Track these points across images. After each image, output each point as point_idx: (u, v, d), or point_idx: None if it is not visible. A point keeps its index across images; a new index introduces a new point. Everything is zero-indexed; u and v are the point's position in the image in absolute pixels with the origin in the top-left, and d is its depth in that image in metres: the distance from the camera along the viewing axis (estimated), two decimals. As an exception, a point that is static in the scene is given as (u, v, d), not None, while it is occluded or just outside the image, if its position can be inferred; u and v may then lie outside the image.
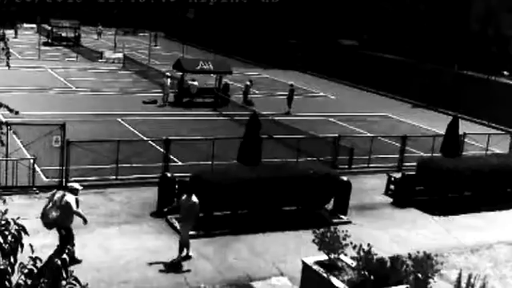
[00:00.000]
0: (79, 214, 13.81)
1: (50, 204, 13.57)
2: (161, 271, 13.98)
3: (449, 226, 18.90)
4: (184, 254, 14.59)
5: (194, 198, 14.61)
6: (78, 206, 13.92)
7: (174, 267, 14.15)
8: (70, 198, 13.70)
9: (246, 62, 55.63)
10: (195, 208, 14.59)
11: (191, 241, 15.73)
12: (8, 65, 7.91)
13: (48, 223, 13.60)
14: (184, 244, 14.56)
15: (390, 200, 20.75)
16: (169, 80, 34.41)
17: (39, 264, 4.37)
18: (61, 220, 13.53)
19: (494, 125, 35.33)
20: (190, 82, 34.83)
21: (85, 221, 13.86)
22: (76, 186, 14.34)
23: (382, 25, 64.65)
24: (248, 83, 36.79)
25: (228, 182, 16.74)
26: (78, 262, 13.73)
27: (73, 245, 13.80)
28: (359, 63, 48.30)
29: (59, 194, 13.75)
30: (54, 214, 13.46)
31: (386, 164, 24.26)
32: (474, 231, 18.60)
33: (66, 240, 13.74)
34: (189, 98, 34.56)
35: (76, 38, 61.14)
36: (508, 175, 21.71)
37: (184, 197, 14.69)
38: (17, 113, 7.85)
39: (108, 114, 29.63)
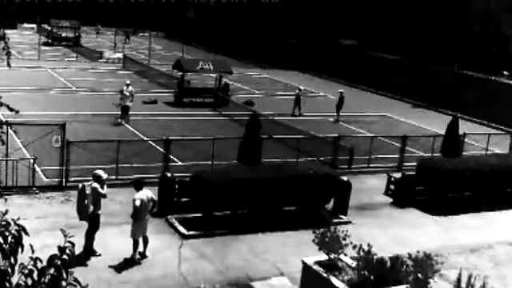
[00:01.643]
0: (104, 195, 14.54)
1: (86, 201, 14.13)
2: (161, 271, 13.99)
3: (449, 226, 18.90)
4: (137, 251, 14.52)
5: (136, 195, 14.28)
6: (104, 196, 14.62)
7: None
8: (95, 184, 14.36)
9: (246, 62, 55.63)
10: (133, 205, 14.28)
11: (192, 241, 15.74)
12: (9, 64, 7.90)
13: (87, 218, 14.30)
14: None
15: (390, 200, 20.75)
16: (130, 88, 29.02)
17: (40, 264, 4.37)
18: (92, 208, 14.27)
19: (493, 125, 35.33)
20: (125, 92, 28.58)
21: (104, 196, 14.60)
22: (100, 173, 14.68)
23: (382, 25, 64.63)
24: (297, 91, 34.30)
25: (228, 182, 16.74)
26: (96, 254, 14.31)
27: (93, 236, 14.36)
28: (359, 63, 48.29)
29: (89, 186, 14.30)
30: (91, 207, 14.20)
31: (386, 164, 24.25)
32: (474, 231, 18.61)
33: (93, 228, 14.36)
34: (120, 117, 28.26)
35: (76, 37, 61.17)
36: (508, 175, 21.71)
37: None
38: (17, 112, 7.84)
39: (108, 114, 29.61)
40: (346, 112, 35.99)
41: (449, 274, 14.25)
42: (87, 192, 14.18)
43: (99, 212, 14.49)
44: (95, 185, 14.34)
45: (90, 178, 14.78)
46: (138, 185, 14.54)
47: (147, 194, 14.45)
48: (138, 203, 14.12)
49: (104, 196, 14.58)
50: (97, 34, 71.82)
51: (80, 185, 14.61)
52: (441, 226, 18.81)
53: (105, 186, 14.65)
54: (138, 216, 14.26)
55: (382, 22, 64.79)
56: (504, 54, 54.27)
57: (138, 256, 14.41)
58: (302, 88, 35.27)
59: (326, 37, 63.35)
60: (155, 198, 14.87)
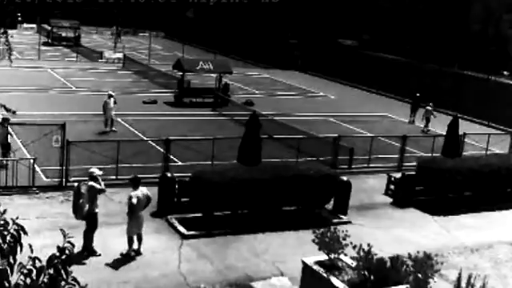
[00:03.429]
0: (102, 190, 14.61)
1: (81, 200, 14.16)
2: (161, 271, 13.98)
3: (449, 225, 18.89)
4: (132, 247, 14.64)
5: (132, 193, 14.39)
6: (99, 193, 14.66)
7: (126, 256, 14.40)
8: (91, 183, 14.42)
9: (246, 62, 55.61)
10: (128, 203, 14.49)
11: (192, 241, 15.73)
12: (10, 60, 7.88)
13: (82, 217, 14.38)
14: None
15: (390, 200, 20.74)
16: (112, 100, 26.82)
17: (38, 264, 4.36)
18: (89, 207, 14.35)
19: (494, 125, 35.31)
20: (110, 105, 26.54)
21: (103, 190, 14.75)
22: (93, 169, 14.74)
23: (382, 25, 64.62)
24: (429, 108, 32.66)
25: (228, 182, 16.73)
26: (96, 254, 14.32)
27: (91, 236, 14.39)
28: (359, 63, 48.29)
29: (84, 186, 14.33)
30: (86, 206, 14.24)
31: (386, 164, 24.25)
32: (474, 231, 18.59)
33: (91, 227, 14.38)
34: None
35: (76, 38, 61.17)
36: (508, 175, 21.69)
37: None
38: (14, 112, 7.83)
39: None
40: (346, 112, 35.93)
41: (449, 273, 14.25)
42: (82, 191, 14.23)
43: (96, 210, 14.46)
44: (91, 183, 14.38)
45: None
46: (135, 182, 14.65)
47: (143, 191, 14.60)
48: (134, 201, 14.26)
49: (102, 191, 14.65)
50: (96, 33, 71.80)
51: (75, 184, 14.70)
52: (441, 226, 18.80)
53: (102, 182, 14.67)
54: (134, 213, 14.39)
55: (382, 21, 64.78)
56: (504, 54, 54.26)
57: (132, 253, 14.49)
58: (431, 105, 33.03)
59: (326, 37, 63.34)
60: (150, 195, 14.91)
